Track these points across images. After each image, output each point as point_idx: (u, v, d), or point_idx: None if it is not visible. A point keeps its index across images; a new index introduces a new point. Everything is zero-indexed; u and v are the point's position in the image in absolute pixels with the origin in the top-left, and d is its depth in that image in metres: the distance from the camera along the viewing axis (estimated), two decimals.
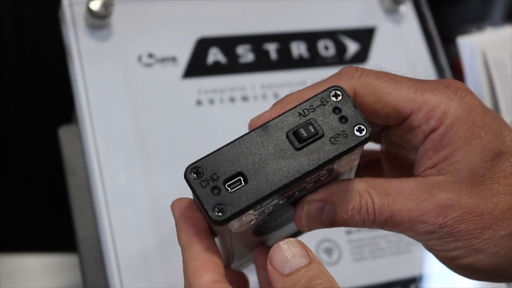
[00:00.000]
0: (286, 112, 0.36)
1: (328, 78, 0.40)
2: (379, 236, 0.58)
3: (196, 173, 0.34)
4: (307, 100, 0.36)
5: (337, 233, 0.57)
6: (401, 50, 0.64)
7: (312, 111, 0.36)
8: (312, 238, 0.56)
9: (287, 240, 0.35)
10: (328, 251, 0.56)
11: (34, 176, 0.81)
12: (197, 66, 0.59)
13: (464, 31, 0.66)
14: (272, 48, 0.61)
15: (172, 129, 0.56)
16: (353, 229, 0.57)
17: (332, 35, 0.63)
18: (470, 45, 0.64)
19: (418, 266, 0.58)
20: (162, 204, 0.54)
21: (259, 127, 0.35)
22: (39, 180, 0.81)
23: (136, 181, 0.54)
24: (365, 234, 0.58)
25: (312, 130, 0.35)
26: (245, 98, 0.59)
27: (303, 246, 0.35)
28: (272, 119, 0.36)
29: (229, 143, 0.35)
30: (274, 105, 0.40)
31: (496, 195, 0.38)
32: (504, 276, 0.39)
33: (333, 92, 0.36)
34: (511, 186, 0.38)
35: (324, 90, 0.36)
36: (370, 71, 0.40)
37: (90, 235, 0.53)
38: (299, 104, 0.36)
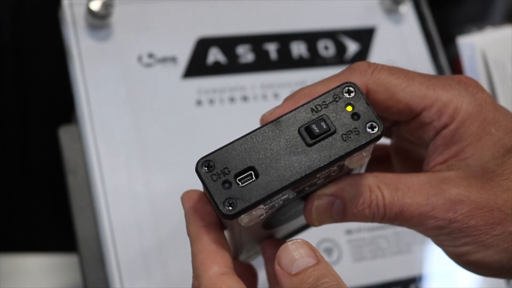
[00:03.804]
0: (298, 107, 0.36)
1: (340, 73, 0.40)
2: (379, 236, 0.58)
3: (207, 166, 0.35)
4: (320, 96, 0.36)
5: (337, 233, 0.57)
6: (401, 50, 0.64)
7: (324, 107, 0.36)
8: (312, 238, 0.56)
9: (294, 241, 0.35)
10: (328, 251, 0.56)
11: (34, 176, 0.81)
12: (197, 66, 0.59)
13: (464, 31, 0.66)
14: (272, 48, 0.61)
15: (172, 129, 0.56)
16: (353, 229, 0.57)
17: (332, 35, 0.63)
18: (470, 45, 0.64)
19: (418, 266, 0.58)
20: (162, 204, 0.54)
21: (271, 122, 0.35)
22: (39, 180, 0.81)
23: (136, 181, 0.54)
24: (365, 234, 0.58)
25: (324, 126, 0.35)
26: (245, 98, 0.59)
27: (310, 246, 0.35)
28: (285, 114, 0.36)
29: (241, 137, 0.35)
30: (286, 100, 0.40)
31: (506, 191, 0.38)
32: None
33: (346, 88, 0.36)
34: None
35: (337, 86, 0.36)
36: (383, 66, 0.40)
37: (90, 235, 0.53)
38: (312, 100, 0.36)
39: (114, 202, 0.53)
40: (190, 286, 0.37)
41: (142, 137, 0.55)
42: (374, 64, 0.40)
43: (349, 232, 0.57)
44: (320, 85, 0.39)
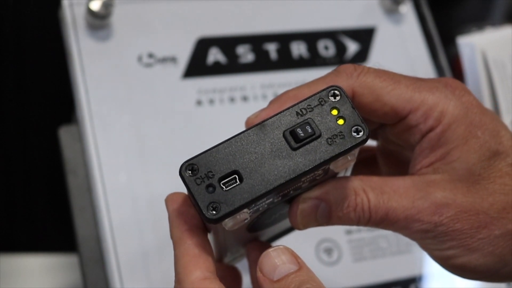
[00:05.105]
0: (283, 111, 0.35)
1: (326, 76, 0.40)
2: (379, 236, 0.58)
3: (191, 170, 0.34)
4: (305, 99, 0.36)
5: (337, 233, 0.57)
6: (401, 50, 0.64)
7: (310, 111, 0.35)
8: (312, 238, 0.56)
9: (276, 247, 0.35)
10: (328, 251, 0.56)
11: (34, 176, 0.81)
12: (197, 66, 0.59)
13: (464, 31, 0.66)
14: (272, 48, 0.61)
15: (172, 129, 0.56)
16: (353, 229, 0.57)
17: (332, 35, 0.63)
18: (470, 45, 0.64)
19: (418, 266, 0.58)
20: (162, 204, 0.54)
21: (256, 125, 0.35)
22: (39, 180, 0.81)
23: (136, 181, 0.54)
24: (365, 234, 0.58)
25: (309, 130, 0.35)
26: (245, 98, 0.59)
27: (292, 253, 0.35)
28: (270, 118, 0.35)
29: (225, 141, 0.35)
30: (271, 102, 0.40)
31: (492, 194, 0.38)
32: (498, 276, 0.39)
33: (332, 92, 0.36)
34: (507, 185, 0.38)
35: (323, 90, 0.36)
36: (369, 69, 0.39)
37: (90, 235, 0.53)
38: (297, 103, 0.36)
39: (114, 202, 0.53)
40: None
41: (142, 137, 0.55)
42: (360, 66, 0.40)
43: (349, 232, 0.57)
44: (306, 88, 0.39)
